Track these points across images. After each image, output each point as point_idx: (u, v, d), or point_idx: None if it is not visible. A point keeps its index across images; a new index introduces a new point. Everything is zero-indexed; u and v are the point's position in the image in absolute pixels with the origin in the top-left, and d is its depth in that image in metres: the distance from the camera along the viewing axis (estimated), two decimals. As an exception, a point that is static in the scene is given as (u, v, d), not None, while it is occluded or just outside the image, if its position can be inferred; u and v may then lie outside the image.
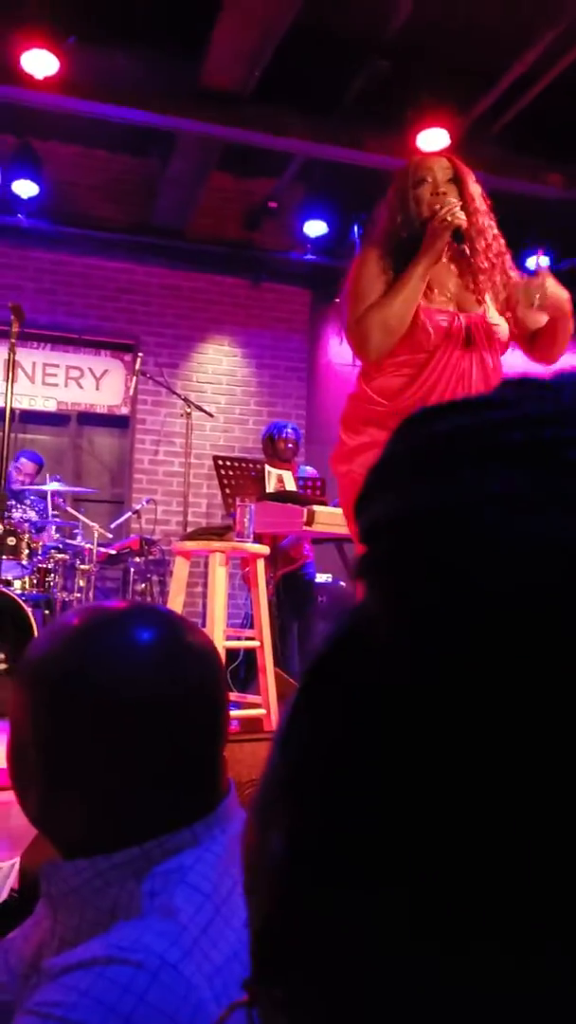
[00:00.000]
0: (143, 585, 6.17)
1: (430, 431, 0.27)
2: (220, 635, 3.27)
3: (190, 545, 3.43)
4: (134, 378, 6.05)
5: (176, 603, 3.39)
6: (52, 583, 4.96)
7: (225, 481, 4.40)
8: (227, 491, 4.38)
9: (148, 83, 5.13)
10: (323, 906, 0.25)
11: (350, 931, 0.24)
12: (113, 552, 5.75)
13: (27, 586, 4.89)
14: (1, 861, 1.98)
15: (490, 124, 5.51)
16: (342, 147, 5.53)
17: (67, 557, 5.06)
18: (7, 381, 3.17)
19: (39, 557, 4.93)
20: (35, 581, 4.93)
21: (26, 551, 4.83)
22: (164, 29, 4.96)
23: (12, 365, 3.11)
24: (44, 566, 4.95)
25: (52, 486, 5.39)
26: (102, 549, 5.55)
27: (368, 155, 5.55)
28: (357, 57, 5.06)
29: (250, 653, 3.66)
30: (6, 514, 4.67)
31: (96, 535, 5.48)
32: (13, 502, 5.27)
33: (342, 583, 6.10)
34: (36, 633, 4.38)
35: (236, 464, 4.54)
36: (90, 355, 7.10)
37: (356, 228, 6.40)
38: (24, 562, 4.84)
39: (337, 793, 0.25)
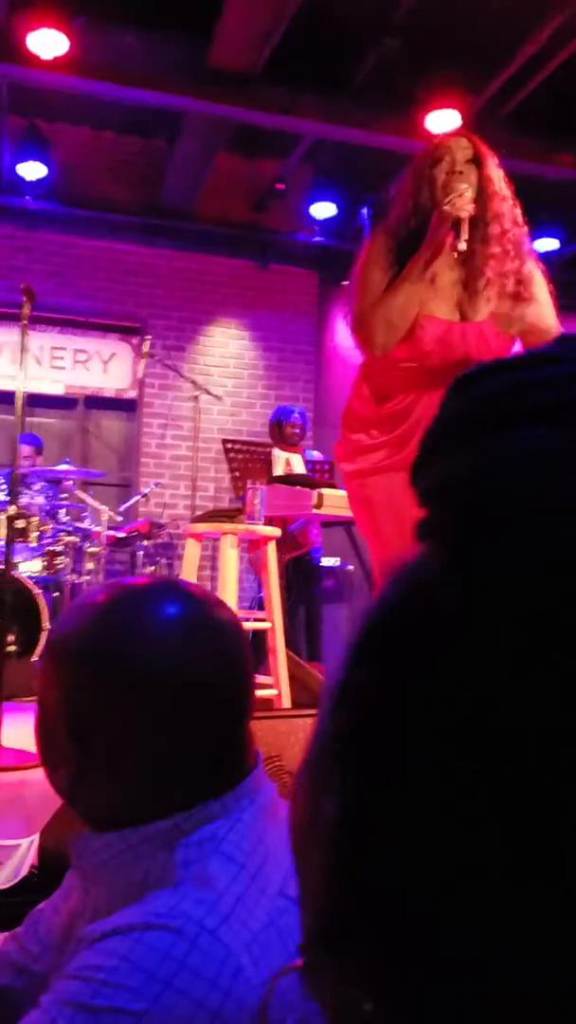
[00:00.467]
0: (152, 568, 6.18)
1: (489, 387, 0.27)
2: (232, 617, 3.27)
3: (201, 527, 3.43)
4: (142, 361, 6.03)
5: (186, 585, 3.39)
6: (61, 566, 4.97)
7: (234, 465, 4.40)
8: (236, 474, 4.38)
9: (157, 63, 5.08)
10: (384, 869, 0.24)
11: (414, 897, 0.23)
12: (122, 535, 5.75)
13: (36, 569, 4.90)
14: (19, 839, 2.01)
15: (501, 105, 5.46)
16: (352, 127, 5.47)
17: (77, 540, 5.06)
18: (18, 364, 3.16)
19: (48, 540, 4.93)
20: (44, 564, 4.94)
21: (35, 534, 4.83)
22: (174, 9, 4.91)
23: (24, 348, 3.10)
24: (53, 548, 4.95)
25: (62, 467, 5.39)
26: (111, 532, 5.55)
27: (378, 136, 5.50)
28: (367, 37, 5.01)
29: (258, 635, 3.67)
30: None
31: (106, 518, 5.49)
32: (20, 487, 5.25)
33: (349, 566, 6.11)
34: (45, 616, 4.41)
35: (245, 447, 4.54)
36: (97, 338, 7.07)
37: (364, 210, 6.35)
38: (33, 545, 4.84)
39: (407, 749, 0.24)
